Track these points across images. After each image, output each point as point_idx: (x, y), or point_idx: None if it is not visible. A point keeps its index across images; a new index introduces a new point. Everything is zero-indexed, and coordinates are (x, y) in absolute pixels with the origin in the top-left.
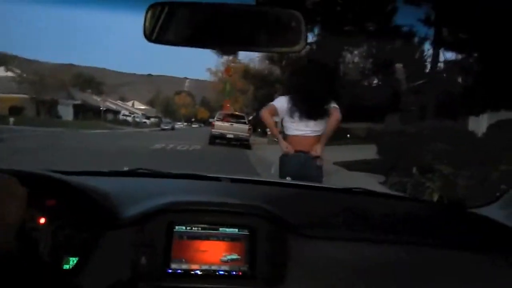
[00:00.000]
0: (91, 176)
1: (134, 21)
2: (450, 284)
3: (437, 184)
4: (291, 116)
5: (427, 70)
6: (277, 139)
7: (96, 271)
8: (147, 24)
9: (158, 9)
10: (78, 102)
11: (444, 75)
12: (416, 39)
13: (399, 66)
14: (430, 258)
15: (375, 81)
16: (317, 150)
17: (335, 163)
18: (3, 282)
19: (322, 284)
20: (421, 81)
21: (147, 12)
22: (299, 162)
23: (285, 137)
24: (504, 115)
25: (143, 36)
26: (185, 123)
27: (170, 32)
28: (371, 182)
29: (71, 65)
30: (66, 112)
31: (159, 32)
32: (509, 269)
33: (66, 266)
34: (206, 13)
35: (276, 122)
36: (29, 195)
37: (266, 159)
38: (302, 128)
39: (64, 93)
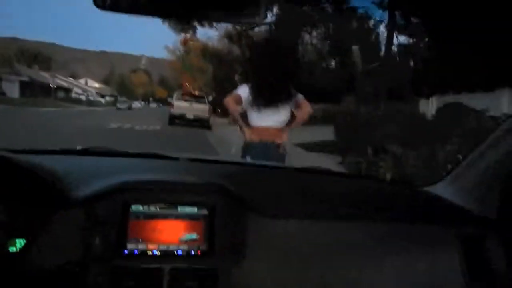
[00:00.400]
0: (40, 155)
1: None
2: (401, 256)
3: (389, 164)
4: (255, 104)
5: (382, 53)
6: (240, 128)
7: (45, 253)
8: None
9: None
10: (25, 78)
11: (397, 58)
12: (371, 22)
13: (355, 48)
14: (383, 232)
15: (332, 63)
16: (283, 138)
17: (294, 144)
18: None
19: (281, 261)
20: (375, 64)
21: None
22: (261, 151)
23: (249, 128)
24: (451, 98)
25: (93, 4)
26: (143, 103)
27: None
28: (329, 163)
29: (16, 38)
30: (12, 88)
31: None
32: (453, 240)
33: (12, 249)
34: None
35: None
36: None
37: (226, 139)
38: (265, 118)
39: (8, 69)
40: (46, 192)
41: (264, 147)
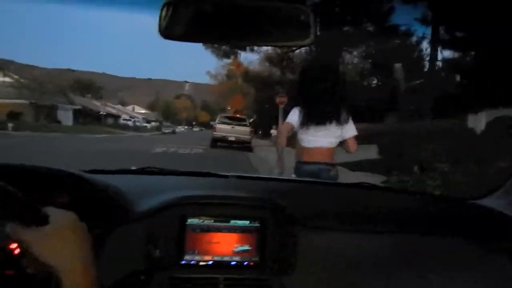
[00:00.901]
0: (100, 174)
1: (133, 25)
2: (454, 270)
3: (437, 182)
4: (304, 125)
5: (425, 69)
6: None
7: (111, 264)
8: (161, 21)
9: (171, 6)
10: (78, 107)
11: (442, 74)
12: (413, 39)
13: (397, 65)
14: (434, 248)
15: (374, 81)
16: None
17: (337, 164)
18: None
19: (329, 274)
20: (419, 81)
21: (161, 10)
22: (312, 172)
23: (300, 149)
24: (501, 112)
25: (158, 34)
26: (186, 127)
27: (183, 28)
28: (373, 182)
29: (70, 70)
30: (66, 117)
31: (172, 28)
32: (508, 255)
33: None
34: (218, 8)
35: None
36: (42, 191)
37: (267, 161)
38: (315, 140)
39: (63, 98)
40: (110, 208)
41: (316, 169)
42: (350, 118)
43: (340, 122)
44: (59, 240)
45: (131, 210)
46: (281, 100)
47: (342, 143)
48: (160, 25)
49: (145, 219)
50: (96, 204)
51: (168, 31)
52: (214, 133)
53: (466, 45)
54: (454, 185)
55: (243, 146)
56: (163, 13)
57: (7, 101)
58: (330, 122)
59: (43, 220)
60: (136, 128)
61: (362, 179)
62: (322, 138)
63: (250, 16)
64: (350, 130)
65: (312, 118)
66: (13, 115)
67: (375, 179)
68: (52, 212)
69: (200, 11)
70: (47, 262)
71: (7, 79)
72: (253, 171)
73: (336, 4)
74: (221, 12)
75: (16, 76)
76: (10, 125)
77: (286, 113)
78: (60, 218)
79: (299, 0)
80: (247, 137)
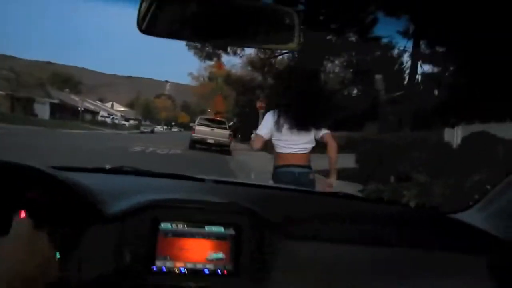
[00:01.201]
0: (73, 172)
1: (116, 20)
2: (430, 283)
3: (413, 192)
4: (279, 130)
5: (405, 82)
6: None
7: (80, 265)
8: (141, 15)
9: (152, 1)
10: (56, 101)
11: (421, 87)
12: (395, 51)
13: (378, 76)
14: (410, 258)
15: (355, 91)
16: (332, 183)
17: (315, 171)
18: None
19: (306, 283)
20: (399, 93)
21: (141, 4)
22: (291, 176)
23: (276, 154)
24: (477, 127)
25: (136, 28)
26: (165, 127)
27: (163, 24)
28: (350, 190)
29: (49, 62)
30: (43, 110)
31: (152, 24)
32: (485, 269)
33: None
34: (201, 6)
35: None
36: (10, 186)
37: (246, 165)
38: (291, 145)
39: (41, 91)
40: (80, 207)
41: (294, 172)
42: (326, 130)
43: (316, 128)
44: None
45: (103, 211)
46: (261, 104)
47: (326, 146)
48: (139, 20)
49: (116, 221)
50: (65, 202)
51: (148, 27)
52: (193, 134)
53: (446, 60)
54: (431, 196)
55: (222, 149)
56: (143, 8)
57: None
58: (307, 128)
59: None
60: (114, 126)
61: (338, 187)
62: (299, 143)
63: (235, 16)
64: (323, 130)
65: (289, 123)
66: None
67: (352, 187)
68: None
69: (183, 7)
70: None
71: None
72: (231, 175)
73: (320, 12)
74: (205, 10)
75: None
76: None
77: None
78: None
79: (285, 2)
80: (226, 140)
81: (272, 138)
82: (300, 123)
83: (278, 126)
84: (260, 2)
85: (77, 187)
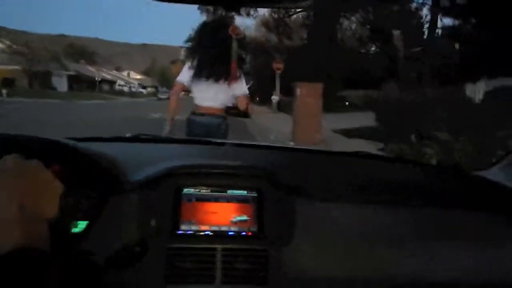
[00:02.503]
0: (93, 142)
1: None
2: (456, 244)
3: (435, 150)
4: (195, 79)
5: (425, 37)
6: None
7: (106, 234)
8: None
9: None
10: (72, 73)
11: (442, 42)
12: (413, 5)
13: (396, 32)
14: (435, 219)
15: (373, 48)
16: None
17: (334, 131)
18: None
19: (328, 244)
20: (418, 48)
21: None
22: (203, 124)
23: (194, 105)
24: (500, 82)
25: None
26: (183, 93)
27: None
28: (370, 149)
29: (62, 35)
30: (61, 83)
31: None
32: (510, 227)
33: (75, 230)
34: None
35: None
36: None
37: (265, 127)
38: (207, 97)
39: (57, 64)
40: (104, 177)
41: (207, 121)
42: (243, 78)
43: (230, 80)
44: None
45: (126, 179)
46: (278, 66)
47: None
48: None
49: (140, 189)
50: (90, 173)
51: None
52: None
53: (467, 13)
54: (453, 154)
55: (239, 112)
56: None
57: (0, 67)
58: (219, 76)
59: None
60: (132, 94)
61: (358, 146)
62: (213, 95)
63: None
64: (240, 89)
65: (202, 70)
66: (7, 82)
67: (372, 146)
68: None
69: None
70: None
71: None
72: (250, 137)
73: None
74: None
75: (8, 42)
76: (4, 91)
77: (283, 79)
78: (3, 161)
79: None
80: None
81: (192, 90)
82: (213, 73)
83: (193, 74)
84: None
85: (99, 157)
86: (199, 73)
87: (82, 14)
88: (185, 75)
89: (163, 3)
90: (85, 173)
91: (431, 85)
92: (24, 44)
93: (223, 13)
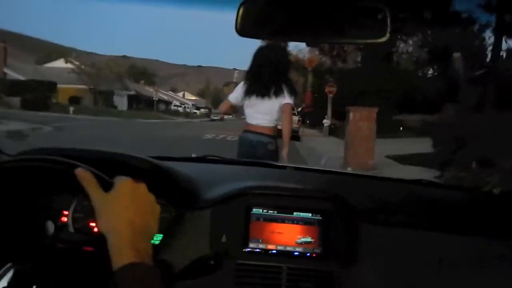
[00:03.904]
0: (166, 161)
1: (186, 13)
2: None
3: (498, 179)
4: (246, 96)
5: (488, 59)
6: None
7: (180, 248)
8: (238, 20)
9: (250, 5)
10: (132, 92)
11: (506, 64)
12: (476, 27)
13: (456, 55)
14: (494, 248)
15: (430, 72)
16: (284, 153)
17: (387, 157)
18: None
19: (391, 269)
20: (481, 71)
21: (239, 9)
22: (251, 142)
23: (245, 125)
24: None
25: (231, 29)
26: (234, 114)
27: (259, 27)
28: (425, 177)
29: (125, 56)
30: (121, 102)
31: (249, 27)
32: None
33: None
34: (295, 8)
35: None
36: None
37: (316, 150)
38: (258, 116)
39: (119, 84)
40: (181, 194)
41: (253, 139)
42: (292, 95)
43: (281, 96)
44: (116, 205)
45: (199, 197)
46: (330, 89)
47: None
48: (236, 24)
49: (213, 207)
50: (168, 189)
51: (244, 30)
52: None
53: None
54: None
55: (291, 135)
56: (240, 11)
57: (69, 86)
58: (269, 94)
59: (108, 187)
60: (186, 114)
61: (414, 173)
62: (263, 114)
63: (328, 14)
64: (286, 100)
65: (253, 92)
66: (74, 100)
67: (429, 173)
68: (117, 179)
69: (275, 9)
70: (101, 224)
71: (68, 65)
72: (301, 161)
73: None
74: (298, 9)
75: (76, 63)
76: (71, 108)
77: (335, 102)
78: (120, 184)
79: None
80: (295, 126)
81: (244, 108)
82: (264, 90)
83: (244, 91)
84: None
85: (177, 174)
86: (251, 90)
87: (144, 36)
88: (236, 93)
89: (218, 27)
90: (164, 189)
91: (494, 109)
92: (90, 65)
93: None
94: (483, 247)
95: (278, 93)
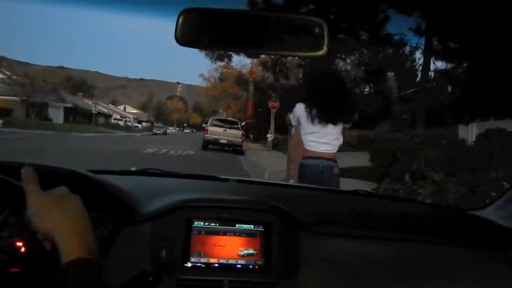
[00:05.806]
0: (103, 174)
1: (128, 24)
2: (452, 280)
3: (429, 191)
4: (311, 122)
5: (418, 79)
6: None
7: (119, 264)
8: (178, 29)
9: (189, 14)
10: (69, 105)
11: (434, 84)
12: (407, 48)
13: (390, 74)
14: (432, 255)
15: (367, 89)
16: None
17: None
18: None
19: (332, 278)
20: (412, 90)
21: (179, 17)
22: (317, 170)
23: (306, 151)
24: (491, 124)
25: (174, 40)
26: (177, 128)
27: (199, 36)
28: (364, 189)
29: (62, 67)
30: (57, 115)
31: (189, 36)
32: (508, 265)
33: None
34: (236, 19)
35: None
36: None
37: (259, 164)
38: (321, 141)
39: (55, 96)
40: (117, 208)
41: (318, 167)
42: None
43: (345, 124)
44: (55, 208)
45: (138, 211)
46: (273, 104)
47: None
48: (176, 32)
49: (152, 221)
50: (104, 204)
51: (184, 38)
52: (206, 135)
53: (458, 56)
54: (446, 194)
55: (235, 149)
56: (180, 20)
57: None
58: (337, 122)
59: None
60: (127, 128)
61: (352, 185)
62: (327, 141)
63: (267, 26)
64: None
65: (323, 119)
66: (4, 112)
67: (366, 186)
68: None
69: (215, 20)
70: (44, 228)
71: None
72: (245, 175)
73: (330, 11)
74: (237, 21)
75: (8, 73)
76: (0, 121)
77: (278, 117)
78: (57, 189)
79: (311, 12)
80: (238, 140)
81: (301, 133)
82: (331, 118)
83: (310, 115)
84: (291, 14)
85: (113, 188)
86: (321, 117)
87: (83, 47)
88: (294, 120)
89: (161, 40)
90: (99, 203)
91: (424, 126)
92: (24, 75)
93: (221, 52)
94: (421, 253)
95: (345, 121)
